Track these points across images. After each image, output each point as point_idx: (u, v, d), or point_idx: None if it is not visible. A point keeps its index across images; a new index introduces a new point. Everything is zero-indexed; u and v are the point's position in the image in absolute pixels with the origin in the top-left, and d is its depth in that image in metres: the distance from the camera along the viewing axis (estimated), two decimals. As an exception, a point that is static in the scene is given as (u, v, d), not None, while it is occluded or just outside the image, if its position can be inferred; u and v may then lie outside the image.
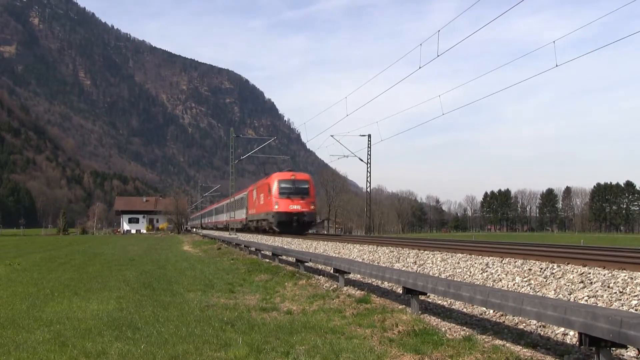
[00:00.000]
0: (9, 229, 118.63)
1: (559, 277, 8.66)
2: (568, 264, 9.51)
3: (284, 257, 18.64)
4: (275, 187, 34.29)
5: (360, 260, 14.77)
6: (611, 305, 6.98)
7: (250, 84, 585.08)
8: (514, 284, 9.05)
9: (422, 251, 14.53)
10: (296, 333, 7.15)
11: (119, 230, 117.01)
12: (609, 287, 7.59)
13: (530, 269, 9.59)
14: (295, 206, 33.53)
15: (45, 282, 13.93)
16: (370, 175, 50.50)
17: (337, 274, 12.01)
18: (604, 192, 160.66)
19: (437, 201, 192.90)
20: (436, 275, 10.99)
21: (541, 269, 9.43)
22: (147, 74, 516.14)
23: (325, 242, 22.89)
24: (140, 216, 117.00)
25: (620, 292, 7.32)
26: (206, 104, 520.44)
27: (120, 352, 6.32)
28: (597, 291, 7.56)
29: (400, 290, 9.45)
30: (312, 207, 34.56)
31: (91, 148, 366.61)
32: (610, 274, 8.13)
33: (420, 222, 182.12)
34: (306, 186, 34.73)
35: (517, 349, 6.00)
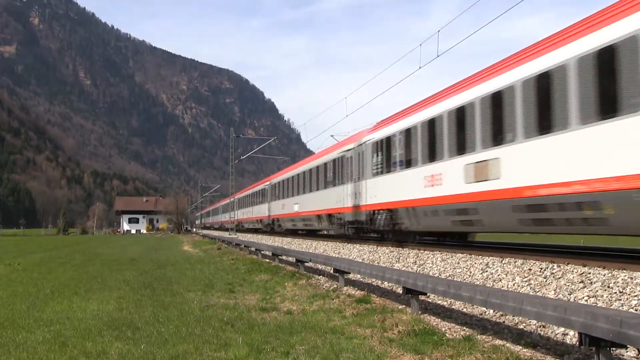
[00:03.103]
0: (9, 229, 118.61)
1: (559, 277, 8.67)
2: (568, 264, 9.52)
3: (284, 257, 18.64)
4: None
5: (360, 260, 14.77)
6: (611, 305, 6.98)
7: (250, 84, 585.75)
8: (514, 284, 9.05)
9: (422, 251, 14.54)
10: (296, 333, 7.15)
11: (119, 230, 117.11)
12: (609, 287, 7.59)
13: (530, 269, 9.59)
14: None
15: (45, 282, 13.92)
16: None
17: (337, 274, 12.01)
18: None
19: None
20: (436, 275, 10.99)
21: (541, 269, 9.43)
22: (147, 74, 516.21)
23: (325, 242, 22.91)
24: (140, 216, 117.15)
25: (620, 292, 7.33)
26: (206, 104, 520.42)
27: (120, 352, 6.32)
28: (597, 291, 7.56)
29: (400, 290, 9.45)
30: None
31: (91, 148, 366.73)
32: (610, 274, 8.13)
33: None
34: None
35: (517, 349, 6.00)
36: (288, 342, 6.64)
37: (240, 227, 51.99)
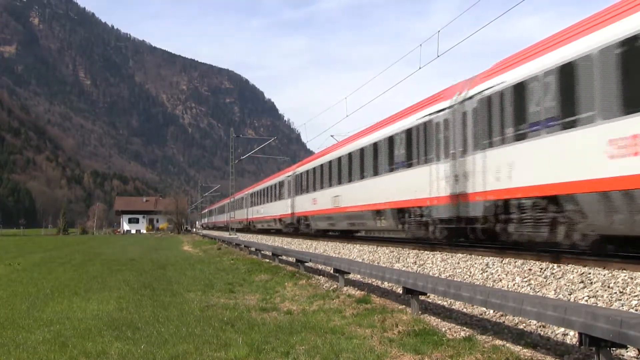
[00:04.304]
0: (9, 229, 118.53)
1: (559, 277, 8.66)
2: (568, 264, 9.52)
3: (284, 257, 18.64)
4: None
5: (360, 260, 14.77)
6: (611, 305, 6.98)
7: (250, 84, 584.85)
8: (514, 284, 9.04)
9: (422, 251, 14.54)
10: (296, 333, 7.15)
11: (119, 230, 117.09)
12: (609, 287, 7.59)
13: (530, 269, 9.59)
14: None
15: (45, 282, 13.92)
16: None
17: (337, 274, 12.01)
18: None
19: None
20: (436, 275, 10.99)
21: (541, 269, 9.43)
22: (147, 74, 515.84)
23: (325, 242, 22.90)
24: (140, 216, 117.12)
25: (620, 292, 7.32)
26: (206, 104, 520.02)
27: (120, 352, 6.32)
28: (597, 291, 7.55)
29: (400, 290, 9.45)
30: None
31: (91, 148, 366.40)
32: (610, 274, 8.13)
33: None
34: None
35: (517, 349, 6.00)
36: (288, 342, 6.63)
37: (252, 228, 46.81)
